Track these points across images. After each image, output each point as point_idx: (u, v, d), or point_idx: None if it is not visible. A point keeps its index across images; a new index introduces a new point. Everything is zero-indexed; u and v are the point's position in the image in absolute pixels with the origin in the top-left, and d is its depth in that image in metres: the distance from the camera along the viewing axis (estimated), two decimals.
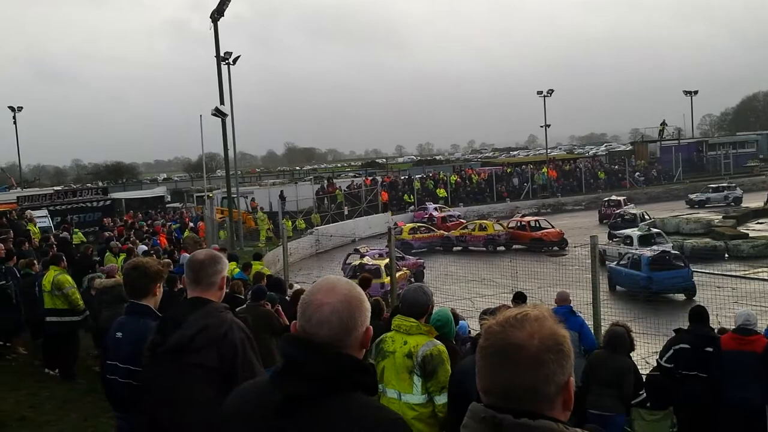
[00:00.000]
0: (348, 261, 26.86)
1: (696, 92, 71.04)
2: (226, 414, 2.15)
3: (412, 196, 50.27)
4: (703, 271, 23.18)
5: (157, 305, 4.29)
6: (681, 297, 20.49)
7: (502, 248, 34.18)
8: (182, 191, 62.14)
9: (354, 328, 2.05)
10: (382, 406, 2.04)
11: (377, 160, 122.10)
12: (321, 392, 1.95)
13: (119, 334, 4.20)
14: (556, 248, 32.55)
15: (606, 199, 36.95)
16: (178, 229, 30.39)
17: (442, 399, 4.72)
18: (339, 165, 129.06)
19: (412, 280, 23.68)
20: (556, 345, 1.64)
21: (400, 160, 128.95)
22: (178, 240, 23.32)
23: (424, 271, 27.53)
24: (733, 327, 7.76)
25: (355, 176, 62.66)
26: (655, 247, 23.61)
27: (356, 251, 27.58)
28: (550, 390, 1.62)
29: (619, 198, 36.53)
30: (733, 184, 49.91)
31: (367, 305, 2.13)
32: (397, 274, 29.41)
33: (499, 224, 36.36)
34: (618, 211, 37.85)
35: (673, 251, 23.44)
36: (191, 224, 34.72)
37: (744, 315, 7.65)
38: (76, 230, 25.87)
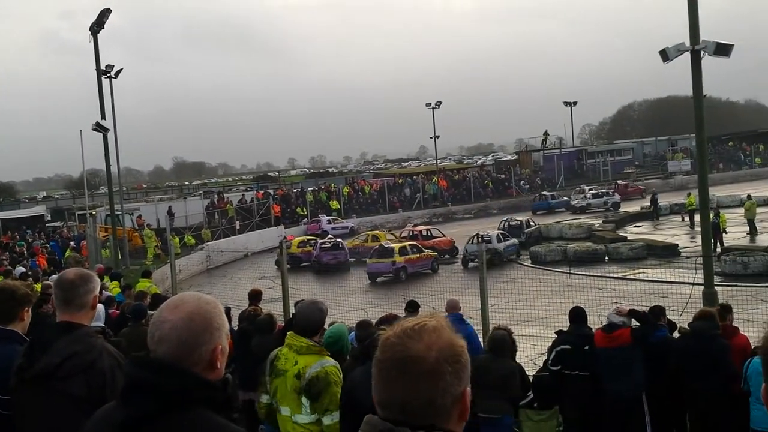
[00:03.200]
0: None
1: (575, 103, 74.21)
2: None
3: (305, 209, 50.09)
4: (585, 273, 24.21)
5: (25, 330, 4.05)
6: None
7: None
8: (63, 209, 59.50)
9: (197, 346, 2.00)
10: (226, 424, 1.99)
11: (269, 174, 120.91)
12: (162, 410, 1.90)
13: None
14: (447, 256, 33.14)
15: (506, 219, 37.93)
16: (58, 249, 29.07)
17: (328, 419, 4.66)
18: (230, 179, 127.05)
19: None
20: (454, 356, 1.62)
21: (293, 172, 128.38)
22: (59, 261, 22.29)
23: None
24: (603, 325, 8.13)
25: (246, 190, 61.74)
26: None
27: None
28: (447, 402, 1.60)
29: (520, 219, 37.54)
30: (612, 190, 52.54)
31: (217, 323, 2.06)
32: (422, 254, 30.33)
33: (392, 234, 36.71)
34: (505, 218, 38.96)
35: None
36: (72, 243, 33.30)
37: (610, 312, 8.03)
38: None
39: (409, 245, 31.15)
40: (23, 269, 17.89)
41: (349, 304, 19.81)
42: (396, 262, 29.27)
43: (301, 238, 37.45)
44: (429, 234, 36.30)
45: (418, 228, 38.04)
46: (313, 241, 35.76)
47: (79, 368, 3.15)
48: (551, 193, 54.52)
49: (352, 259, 34.14)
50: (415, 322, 1.66)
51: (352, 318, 14.06)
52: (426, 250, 31.23)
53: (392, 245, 30.87)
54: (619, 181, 58.79)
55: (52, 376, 3.14)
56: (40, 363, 3.18)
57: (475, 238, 30.04)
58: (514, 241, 32.43)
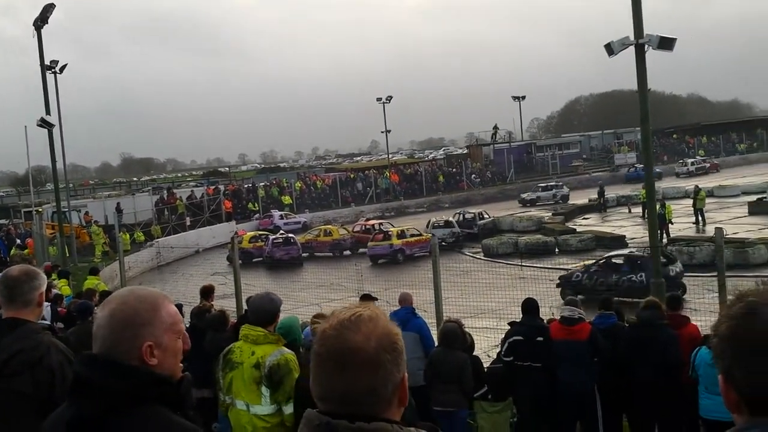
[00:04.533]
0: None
1: (524, 97, 74.92)
2: None
3: (257, 204, 49.69)
4: (535, 265, 24.57)
5: None
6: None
7: (348, 252, 34.50)
8: (8, 207, 58.05)
9: (128, 338, 1.93)
10: (178, 421, 1.94)
11: (220, 169, 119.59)
12: (111, 409, 1.86)
13: None
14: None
15: (460, 211, 38.41)
16: (4, 247, 28.30)
17: (289, 408, 4.67)
18: (179, 175, 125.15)
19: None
20: (392, 344, 1.62)
21: (244, 168, 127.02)
22: (4, 259, 21.71)
23: None
24: (560, 316, 8.24)
25: (196, 185, 60.99)
26: None
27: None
28: (388, 390, 1.60)
29: (473, 212, 38.15)
30: (561, 183, 53.36)
31: (144, 318, 1.97)
32: (420, 237, 31.46)
33: (345, 229, 36.70)
34: (458, 211, 39.30)
35: None
36: (18, 241, 32.48)
37: (569, 305, 8.15)
38: None
39: (407, 229, 33.22)
40: None
41: (303, 299, 19.75)
42: (393, 245, 30.88)
43: (252, 234, 37.13)
44: (380, 228, 36.40)
45: (371, 222, 38.10)
46: (264, 236, 35.54)
47: (25, 365, 3.08)
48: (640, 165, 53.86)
49: (304, 254, 34.05)
50: (351, 313, 1.64)
51: (306, 312, 14.01)
52: (424, 233, 32.51)
53: (391, 229, 33.13)
54: (707, 160, 64.18)
55: None
56: None
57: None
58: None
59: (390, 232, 32.44)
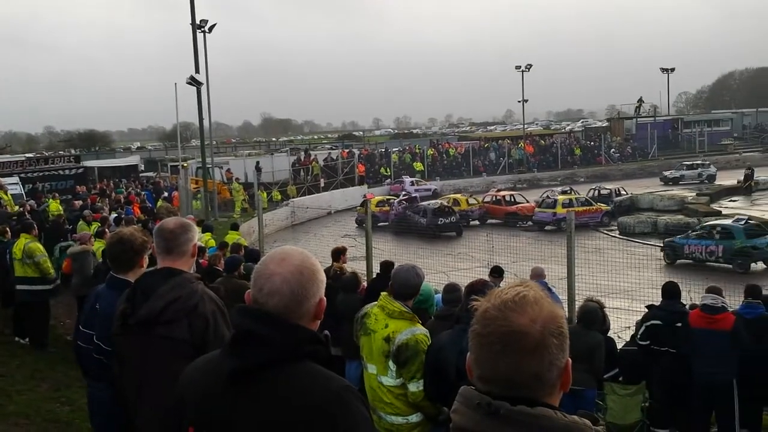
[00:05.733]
0: None
1: (673, 69, 71.28)
2: (181, 383, 2.14)
3: (388, 170, 50.17)
4: None
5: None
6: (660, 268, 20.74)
7: (476, 222, 34.29)
8: (156, 160, 61.27)
9: (305, 299, 2.04)
10: (332, 375, 2.01)
11: (354, 133, 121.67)
12: (271, 362, 1.94)
13: (98, 306, 4.12)
14: (529, 223, 32.70)
15: (595, 187, 37.36)
16: (152, 199, 30.04)
17: (413, 387, 4.68)
18: (316, 137, 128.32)
19: None
20: (558, 328, 1.58)
21: (377, 133, 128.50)
22: (152, 209, 23.04)
23: None
24: (701, 304, 7.80)
25: (331, 148, 62.26)
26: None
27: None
28: (553, 375, 1.57)
29: (610, 188, 37.05)
30: (707, 162, 50.47)
31: (321, 277, 2.11)
32: (590, 207, 31.68)
33: (474, 199, 36.44)
34: (594, 187, 38.12)
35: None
36: (165, 194, 34.39)
37: (711, 292, 7.70)
38: (51, 199, 25.40)
39: (575, 198, 32.90)
40: (116, 215, 18.57)
41: (430, 266, 19.85)
42: (557, 213, 30.37)
43: (380, 198, 37.61)
44: (512, 200, 35.87)
45: (501, 193, 37.58)
46: (392, 201, 35.92)
47: (182, 312, 3.24)
48: None
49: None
50: (514, 293, 1.59)
51: (434, 281, 14.09)
52: (596, 204, 32.48)
53: (557, 197, 32.85)
54: None
55: (156, 321, 3.24)
56: (144, 308, 3.28)
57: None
58: None
59: (556, 200, 32.21)
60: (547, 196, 33.91)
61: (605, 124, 79.16)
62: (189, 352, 2.98)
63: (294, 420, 1.90)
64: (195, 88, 31.32)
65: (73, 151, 66.94)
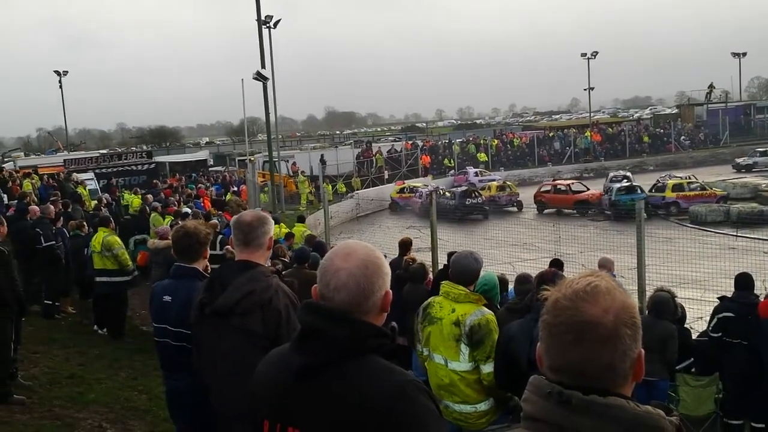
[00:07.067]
0: None
1: (744, 54, 69.02)
2: (254, 378, 2.18)
3: (452, 161, 50.00)
4: (749, 236, 22.72)
5: (205, 267, 4.35)
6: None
7: (513, 209, 34.78)
8: (224, 155, 62.51)
9: (372, 293, 2.05)
10: (397, 369, 2.01)
11: (417, 125, 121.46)
12: (335, 359, 1.96)
13: (167, 298, 4.23)
14: (594, 210, 32.21)
15: (665, 175, 36.76)
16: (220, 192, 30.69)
17: (488, 368, 4.72)
18: (379, 129, 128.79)
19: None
20: (631, 318, 1.56)
21: (440, 124, 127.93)
22: (222, 202, 23.54)
23: None
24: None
25: (395, 140, 62.35)
26: None
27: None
28: (626, 366, 1.55)
29: (680, 176, 36.40)
30: None
31: (386, 270, 2.11)
32: (704, 191, 31.32)
33: (509, 187, 37.23)
34: (663, 175, 37.23)
35: None
36: (234, 188, 35.06)
37: None
38: (130, 193, 26.18)
39: (687, 182, 32.69)
40: (189, 210, 19.05)
41: (495, 257, 19.74)
42: (666, 197, 31.22)
43: (401, 185, 39.36)
44: (569, 189, 35.47)
45: (558, 182, 37.20)
46: (415, 188, 37.39)
47: (256, 305, 3.33)
48: None
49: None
50: (585, 283, 1.59)
51: (498, 271, 14.02)
52: (710, 188, 32.38)
53: (667, 181, 32.93)
54: None
55: (232, 312, 3.34)
56: (221, 299, 3.38)
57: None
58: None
59: (665, 184, 32.06)
60: (657, 181, 33.85)
61: (675, 111, 77.02)
62: (263, 344, 3.03)
63: (360, 414, 1.91)
64: (261, 83, 31.79)
65: (145, 147, 68.75)
